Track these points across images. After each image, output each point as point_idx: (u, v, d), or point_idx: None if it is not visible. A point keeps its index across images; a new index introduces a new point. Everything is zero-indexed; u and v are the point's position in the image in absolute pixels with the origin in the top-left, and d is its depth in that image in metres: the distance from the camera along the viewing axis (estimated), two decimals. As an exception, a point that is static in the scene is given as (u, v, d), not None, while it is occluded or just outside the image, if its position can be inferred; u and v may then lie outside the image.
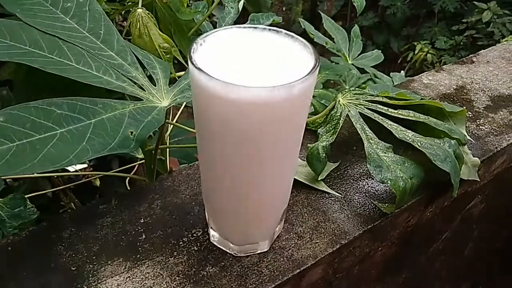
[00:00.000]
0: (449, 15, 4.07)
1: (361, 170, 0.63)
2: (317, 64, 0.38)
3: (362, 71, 1.34)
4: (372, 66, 1.33)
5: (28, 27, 0.56)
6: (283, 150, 0.41)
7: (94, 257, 0.50)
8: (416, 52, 3.90)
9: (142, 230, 0.53)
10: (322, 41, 1.28)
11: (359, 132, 0.59)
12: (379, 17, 4.20)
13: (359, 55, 1.33)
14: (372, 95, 0.66)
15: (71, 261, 0.50)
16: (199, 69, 0.36)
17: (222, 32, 0.42)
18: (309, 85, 0.37)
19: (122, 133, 0.52)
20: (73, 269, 0.49)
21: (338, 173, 0.63)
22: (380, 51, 1.40)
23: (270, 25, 1.15)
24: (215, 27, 1.04)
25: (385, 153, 0.57)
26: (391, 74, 1.60)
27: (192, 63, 0.37)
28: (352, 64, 1.31)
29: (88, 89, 0.56)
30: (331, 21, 1.37)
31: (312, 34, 1.27)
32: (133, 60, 0.61)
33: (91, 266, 0.49)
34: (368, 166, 0.55)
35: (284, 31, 0.43)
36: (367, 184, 0.61)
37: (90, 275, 0.48)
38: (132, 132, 0.52)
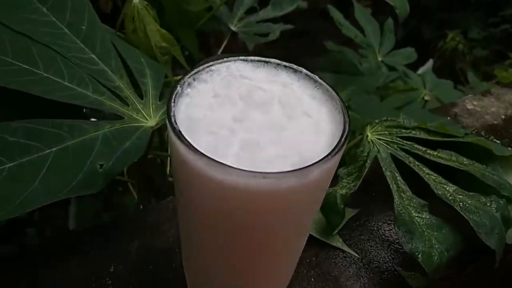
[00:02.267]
0: (485, 5, 3.81)
1: (386, 221, 0.52)
2: (346, 132, 0.27)
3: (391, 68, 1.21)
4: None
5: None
6: (288, 239, 0.30)
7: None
8: (447, 40, 3.68)
9: (109, 282, 0.43)
10: (352, 33, 1.15)
11: (388, 181, 0.47)
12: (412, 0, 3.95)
13: (390, 51, 1.20)
14: (407, 129, 0.54)
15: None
16: (178, 135, 0.25)
17: (220, 67, 0.30)
18: (330, 167, 0.26)
19: (88, 166, 0.41)
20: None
21: (358, 223, 0.51)
22: (413, 49, 1.27)
23: (293, 13, 1.02)
24: (231, 11, 0.91)
25: (419, 213, 0.46)
26: (420, 71, 1.46)
27: (171, 122, 0.25)
28: (382, 61, 1.18)
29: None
30: (363, 11, 1.22)
31: (340, 25, 1.14)
32: (118, 65, 0.50)
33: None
34: (396, 228, 0.44)
35: (304, 71, 0.31)
36: (393, 240, 0.50)
37: None
38: (101, 165, 0.42)
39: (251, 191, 0.24)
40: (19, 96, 0.43)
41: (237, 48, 0.91)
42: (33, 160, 0.39)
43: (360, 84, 0.71)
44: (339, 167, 0.51)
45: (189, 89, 0.28)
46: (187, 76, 0.28)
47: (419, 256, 0.42)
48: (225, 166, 0.23)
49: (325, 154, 0.25)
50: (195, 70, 0.29)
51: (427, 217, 0.46)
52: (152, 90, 0.50)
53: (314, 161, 0.24)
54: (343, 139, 0.26)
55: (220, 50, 0.84)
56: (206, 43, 0.99)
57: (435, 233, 0.44)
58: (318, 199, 0.30)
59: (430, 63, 1.76)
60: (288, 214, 0.27)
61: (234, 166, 0.23)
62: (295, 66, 0.31)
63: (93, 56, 0.49)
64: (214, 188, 0.25)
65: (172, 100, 0.26)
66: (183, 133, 0.25)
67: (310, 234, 0.48)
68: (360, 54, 1.16)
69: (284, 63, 0.31)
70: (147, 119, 0.48)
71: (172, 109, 0.26)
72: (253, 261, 0.31)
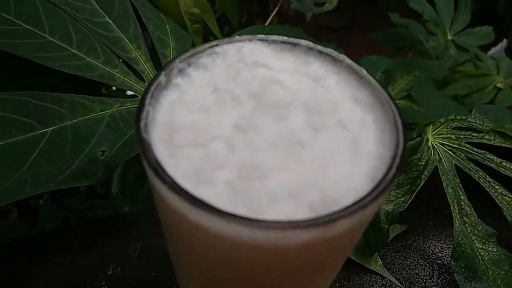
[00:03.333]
0: None
1: (440, 244, 0.43)
2: (398, 159, 0.18)
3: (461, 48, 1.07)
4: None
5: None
6: None
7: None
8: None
9: (105, 287, 0.38)
10: (420, 7, 1.02)
11: (449, 200, 0.38)
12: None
13: (463, 29, 1.05)
14: (479, 132, 0.43)
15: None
16: (146, 150, 0.17)
17: (228, 49, 0.22)
18: (370, 212, 0.18)
19: (88, 153, 0.35)
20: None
21: (404, 243, 0.43)
22: (491, 27, 1.11)
23: None
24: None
25: (484, 244, 0.36)
26: (491, 52, 1.30)
27: (139, 129, 0.18)
28: (452, 41, 1.04)
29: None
30: (435, -19, 1.08)
31: (408, -4, 1.01)
32: (136, 33, 0.43)
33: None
34: (452, 262, 0.35)
35: (347, 60, 0.22)
36: (446, 269, 0.41)
37: None
38: (103, 152, 0.36)
39: (246, 243, 0.16)
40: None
41: (286, 19, 0.81)
42: (23, 140, 0.34)
43: (426, 69, 0.60)
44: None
45: (179, 78, 0.20)
46: (178, 59, 0.20)
47: (480, 303, 0.33)
48: (205, 207, 0.15)
49: (363, 195, 0.16)
50: (193, 51, 0.21)
51: (494, 250, 0.36)
52: (175, 64, 0.43)
53: (343, 207, 0.16)
54: (393, 170, 0.18)
55: (268, 21, 0.75)
56: (250, 12, 0.90)
57: (502, 272, 0.35)
58: (352, 246, 0.22)
59: (503, 43, 1.56)
60: (300, 270, 0.19)
61: (217, 208, 0.15)
62: (335, 53, 0.22)
63: (109, 20, 0.42)
64: (197, 234, 0.17)
65: (149, 95, 0.19)
66: (153, 146, 0.17)
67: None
68: (428, 31, 1.03)
69: (319, 47, 0.22)
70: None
71: (146, 108, 0.18)
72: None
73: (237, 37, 0.22)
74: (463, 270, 0.35)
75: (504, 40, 1.60)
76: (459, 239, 0.36)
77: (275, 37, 0.23)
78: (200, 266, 0.21)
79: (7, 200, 0.32)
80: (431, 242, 0.43)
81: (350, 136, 0.20)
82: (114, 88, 0.55)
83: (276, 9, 0.77)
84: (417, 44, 0.97)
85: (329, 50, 0.22)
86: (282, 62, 0.22)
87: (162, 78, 0.20)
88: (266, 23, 0.71)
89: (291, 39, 0.22)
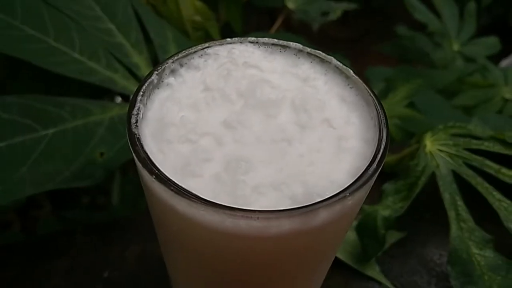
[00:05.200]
0: None
1: (439, 251, 0.43)
2: (380, 155, 0.18)
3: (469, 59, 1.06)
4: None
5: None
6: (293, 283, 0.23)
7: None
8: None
9: (103, 288, 0.38)
10: (426, 18, 1.02)
11: (446, 205, 0.38)
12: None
13: (470, 39, 1.05)
14: (479, 139, 0.43)
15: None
16: (135, 143, 0.18)
17: (219, 50, 0.23)
18: (351, 205, 0.18)
19: (87, 154, 0.36)
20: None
21: (401, 250, 0.42)
22: (497, 37, 1.11)
23: None
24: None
25: (480, 249, 0.36)
26: (503, 64, 1.29)
27: (130, 124, 0.18)
28: (459, 52, 1.04)
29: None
30: (441, -9, 1.08)
31: (412, 7, 1.01)
32: (138, 39, 0.44)
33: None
34: (447, 267, 0.35)
35: (334, 61, 0.22)
36: (444, 276, 0.41)
37: None
38: (102, 154, 0.36)
39: (229, 232, 0.17)
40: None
41: (293, 30, 0.82)
42: (25, 141, 0.35)
43: (429, 77, 0.60)
44: (386, 180, 0.42)
45: (171, 78, 0.21)
46: (171, 60, 0.21)
47: (475, 307, 0.33)
48: (189, 196, 0.16)
49: (342, 188, 0.17)
50: (185, 52, 0.22)
51: (491, 256, 0.36)
52: (175, 70, 0.44)
53: (323, 198, 0.16)
54: (374, 165, 0.18)
55: (274, 29, 0.75)
56: (254, 21, 0.91)
57: (497, 277, 0.35)
58: (335, 241, 0.22)
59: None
60: (285, 262, 0.19)
61: (200, 197, 0.16)
62: (322, 54, 0.23)
63: (112, 26, 0.43)
64: (184, 224, 0.18)
65: (141, 93, 0.19)
66: (143, 141, 0.18)
67: (340, 259, 0.40)
68: (434, 43, 1.04)
69: (309, 49, 0.23)
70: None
71: (137, 105, 0.19)
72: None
73: (228, 39, 0.23)
74: (458, 275, 0.35)
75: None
76: (456, 244, 0.36)
77: (265, 40, 0.23)
78: (189, 258, 0.21)
79: (7, 199, 0.32)
80: (430, 249, 0.43)
81: (335, 134, 0.20)
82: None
83: (281, 19, 0.78)
84: (423, 56, 0.97)
85: (317, 52, 0.23)
86: (272, 63, 0.23)
87: (154, 77, 0.20)
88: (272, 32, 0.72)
89: (281, 42, 0.23)
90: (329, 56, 0.22)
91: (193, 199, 0.16)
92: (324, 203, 0.16)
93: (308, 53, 0.23)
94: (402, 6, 1.01)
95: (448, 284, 0.40)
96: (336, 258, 0.40)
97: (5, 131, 0.34)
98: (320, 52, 0.23)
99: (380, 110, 0.20)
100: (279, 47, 0.23)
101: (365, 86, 0.21)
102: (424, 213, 0.46)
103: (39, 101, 0.36)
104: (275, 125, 0.20)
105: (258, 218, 0.16)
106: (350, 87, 0.22)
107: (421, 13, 1.01)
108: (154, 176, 0.17)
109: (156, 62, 0.44)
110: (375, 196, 0.41)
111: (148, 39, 0.45)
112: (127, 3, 0.44)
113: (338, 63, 0.22)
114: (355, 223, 0.40)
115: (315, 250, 0.20)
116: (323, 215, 0.16)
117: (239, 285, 0.23)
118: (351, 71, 0.22)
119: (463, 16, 1.07)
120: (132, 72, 0.42)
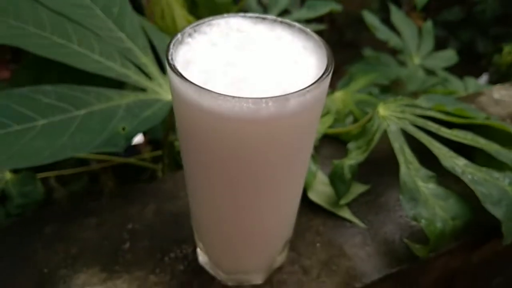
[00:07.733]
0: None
1: (397, 199, 0.53)
2: (327, 72, 0.29)
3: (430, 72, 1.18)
4: (450, 68, 1.16)
5: (34, 4, 0.51)
6: (281, 174, 0.32)
7: (70, 261, 0.45)
8: (503, 54, 3.53)
9: (127, 237, 0.47)
10: (386, 36, 1.14)
11: (396, 152, 0.48)
12: (466, 12, 3.83)
13: (429, 54, 1.17)
14: (423, 108, 0.54)
15: (45, 261, 0.45)
16: (172, 68, 0.28)
17: (220, 21, 0.33)
18: (310, 99, 0.28)
19: (112, 128, 0.45)
20: (45, 271, 0.44)
21: (368, 198, 0.52)
22: (454, 51, 1.23)
23: (328, 15, 1.01)
24: (265, 12, 0.94)
25: (425, 182, 0.46)
26: (466, 78, 1.42)
27: (168, 59, 0.29)
28: (420, 66, 1.15)
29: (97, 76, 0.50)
30: (401, 14, 1.22)
31: (374, 28, 1.13)
32: (144, 44, 0.54)
33: (64, 271, 0.44)
34: (400, 196, 0.45)
35: (298, 25, 0.33)
36: (401, 216, 0.50)
37: (61, 282, 0.43)
38: (124, 128, 0.46)
39: (235, 117, 0.26)
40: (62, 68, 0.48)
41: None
42: (63, 119, 0.44)
43: (381, 72, 0.72)
44: (348, 141, 0.52)
45: (189, 39, 0.32)
46: (188, 27, 0.32)
47: (422, 222, 0.43)
48: (211, 92, 0.26)
49: (305, 87, 0.27)
50: (196, 23, 0.32)
51: (434, 187, 0.46)
52: (175, 67, 0.54)
53: (292, 91, 0.27)
54: (324, 74, 0.28)
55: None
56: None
57: (440, 201, 0.45)
58: (307, 133, 0.32)
59: (485, 77, 1.68)
60: (275, 143, 0.29)
61: (219, 92, 0.26)
62: (289, 21, 0.33)
63: (122, 35, 0.54)
64: (204, 115, 0.28)
65: (172, 44, 0.30)
66: (177, 67, 0.28)
67: (318, 205, 0.50)
68: (399, 61, 1.14)
69: (280, 19, 0.34)
70: (168, 93, 0.52)
71: (171, 50, 0.29)
72: (254, 194, 0.33)
73: (225, 14, 0.34)
74: (408, 200, 0.44)
75: (484, 75, 1.73)
76: (405, 178, 0.46)
77: (251, 14, 0.34)
78: (200, 143, 0.31)
79: (56, 159, 0.41)
80: (390, 195, 0.53)
81: (300, 67, 0.31)
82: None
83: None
84: (387, 72, 1.06)
85: (286, 20, 0.34)
86: (256, 29, 0.33)
87: (178, 36, 0.31)
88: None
89: (262, 15, 0.34)
90: (293, 22, 0.33)
91: (213, 93, 0.26)
92: (293, 94, 0.26)
93: (280, 21, 0.34)
94: (373, 37, 1.11)
95: (405, 220, 0.50)
96: (315, 204, 0.50)
97: (47, 112, 0.44)
98: (288, 20, 0.34)
99: (329, 52, 0.31)
100: (260, 19, 0.34)
101: (319, 39, 0.32)
102: (383, 173, 0.56)
103: (71, 89, 0.46)
104: (262, 63, 0.30)
105: (248, 102, 0.26)
106: (309, 40, 0.33)
107: (383, 33, 1.13)
108: (183, 79, 0.27)
109: (159, 62, 0.55)
110: (342, 156, 0.52)
111: (151, 45, 0.55)
112: (133, 17, 0.55)
113: (301, 26, 0.33)
114: (327, 179, 0.50)
115: (292, 137, 0.30)
116: (293, 102, 0.27)
117: (242, 180, 0.32)
118: (310, 30, 0.33)
119: (421, 33, 1.19)
120: (141, 70, 0.52)
